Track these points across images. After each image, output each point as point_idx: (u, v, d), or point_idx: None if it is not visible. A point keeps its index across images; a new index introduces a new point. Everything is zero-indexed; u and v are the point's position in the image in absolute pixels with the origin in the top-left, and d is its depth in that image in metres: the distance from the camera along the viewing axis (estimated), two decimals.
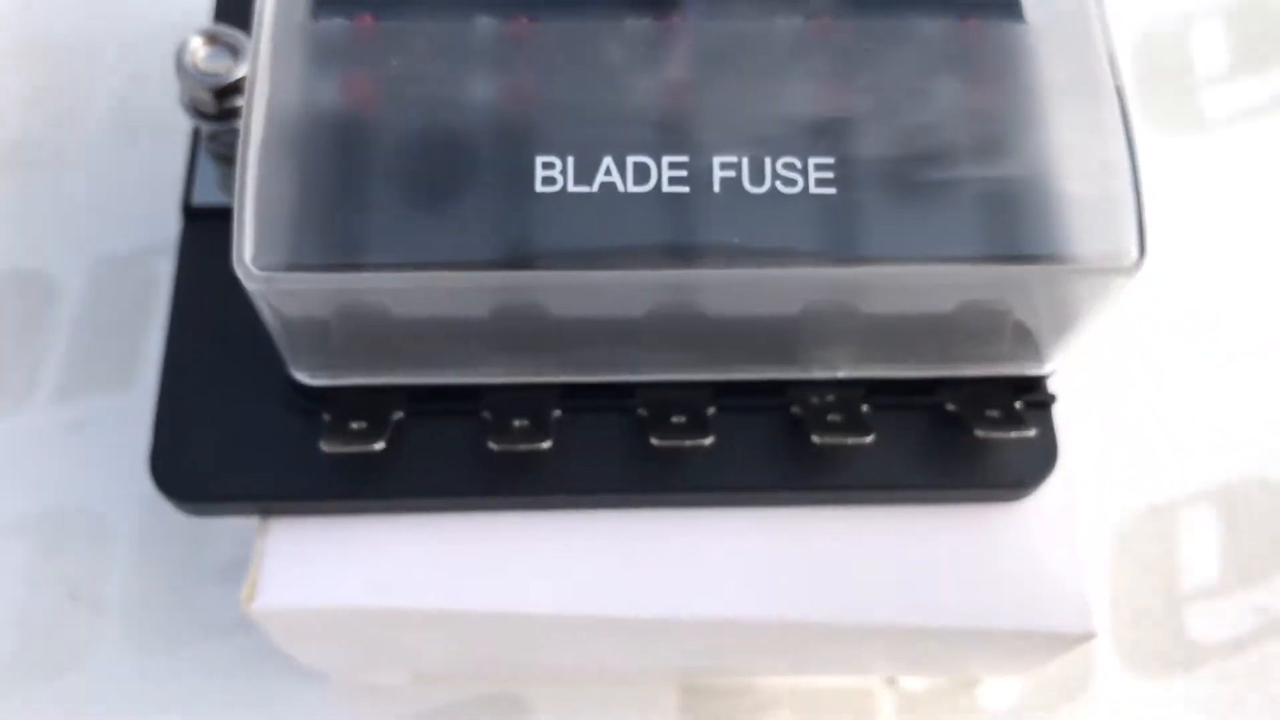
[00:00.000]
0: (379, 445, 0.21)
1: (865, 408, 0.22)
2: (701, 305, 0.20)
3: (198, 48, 0.22)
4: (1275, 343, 0.33)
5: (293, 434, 0.22)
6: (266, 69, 0.19)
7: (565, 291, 0.19)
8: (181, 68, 0.22)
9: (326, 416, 0.21)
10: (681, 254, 0.19)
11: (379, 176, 0.19)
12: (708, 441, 0.21)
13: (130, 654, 0.29)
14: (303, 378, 0.21)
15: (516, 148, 0.19)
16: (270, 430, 0.22)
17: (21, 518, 0.30)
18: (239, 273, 0.18)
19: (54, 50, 0.34)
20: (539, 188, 0.19)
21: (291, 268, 0.18)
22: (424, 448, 0.22)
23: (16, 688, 0.29)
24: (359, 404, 0.21)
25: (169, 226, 0.32)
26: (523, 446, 0.21)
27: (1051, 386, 0.22)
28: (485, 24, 0.20)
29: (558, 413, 0.22)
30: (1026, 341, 0.21)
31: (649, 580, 0.22)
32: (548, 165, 0.19)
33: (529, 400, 0.22)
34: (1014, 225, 0.19)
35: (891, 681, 0.29)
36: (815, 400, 0.22)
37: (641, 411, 0.22)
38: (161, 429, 0.22)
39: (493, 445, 0.21)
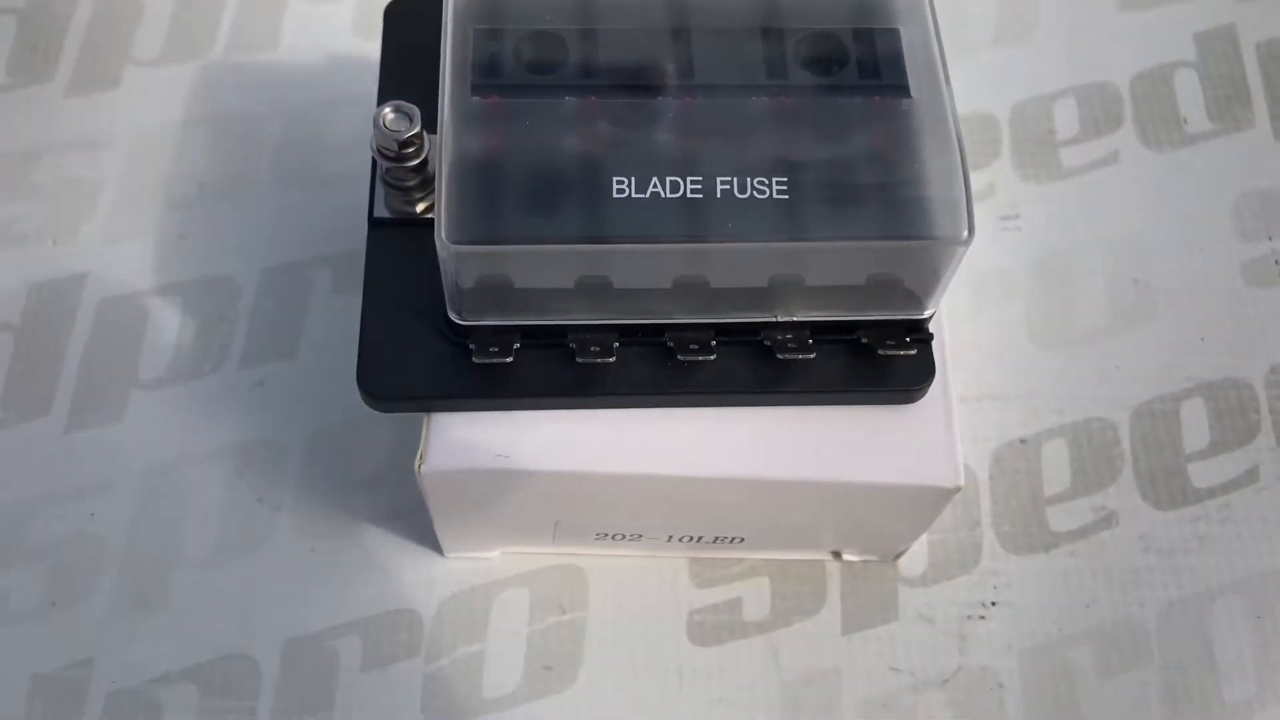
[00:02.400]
0: (509, 359, 0.33)
1: (810, 340, 0.35)
2: (707, 273, 0.33)
3: (387, 113, 0.35)
4: (1105, 326, 0.46)
5: (448, 357, 0.34)
6: (449, 128, 0.32)
7: (628, 258, 0.32)
8: (376, 126, 0.35)
9: (472, 345, 0.34)
10: (697, 235, 0.31)
11: (515, 190, 0.32)
12: (713, 358, 0.34)
13: (301, 540, 0.41)
14: (456, 318, 0.34)
15: (599, 173, 0.32)
16: (433, 355, 0.34)
17: (220, 447, 0.42)
18: (437, 244, 0.31)
19: (232, 119, 0.47)
20: (614, 196, 0.31)
21: (466, 242, 0.31)
22: (533, 365, 0.34)
23: (221, 564, 0.41)
24: (492, 336, 0.34)
25: (315, 247, 0.45)
26: (598, 361, 0.33)
27: (931, 326, 0.35)
28: (570, 101, 0.33)
29: (617, 343, 0.34)
30: (910, 295, 0.34)
31: (675, 450, 0.34)
32: (619, 182, 0.31)
33: (600, 335, 0.34)
34: (899, 218, 0.32)
35: (837, 555, 0.42)
36: (779, 336, 0.35)
37: (669, 342, 0.34)
38: (363, 357, 0.34)
39: (579, 360, 0.33)
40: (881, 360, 0.35)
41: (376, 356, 0.34)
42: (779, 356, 0.34)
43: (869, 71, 0.34)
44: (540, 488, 0.35)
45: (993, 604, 0.41)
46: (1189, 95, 0.50)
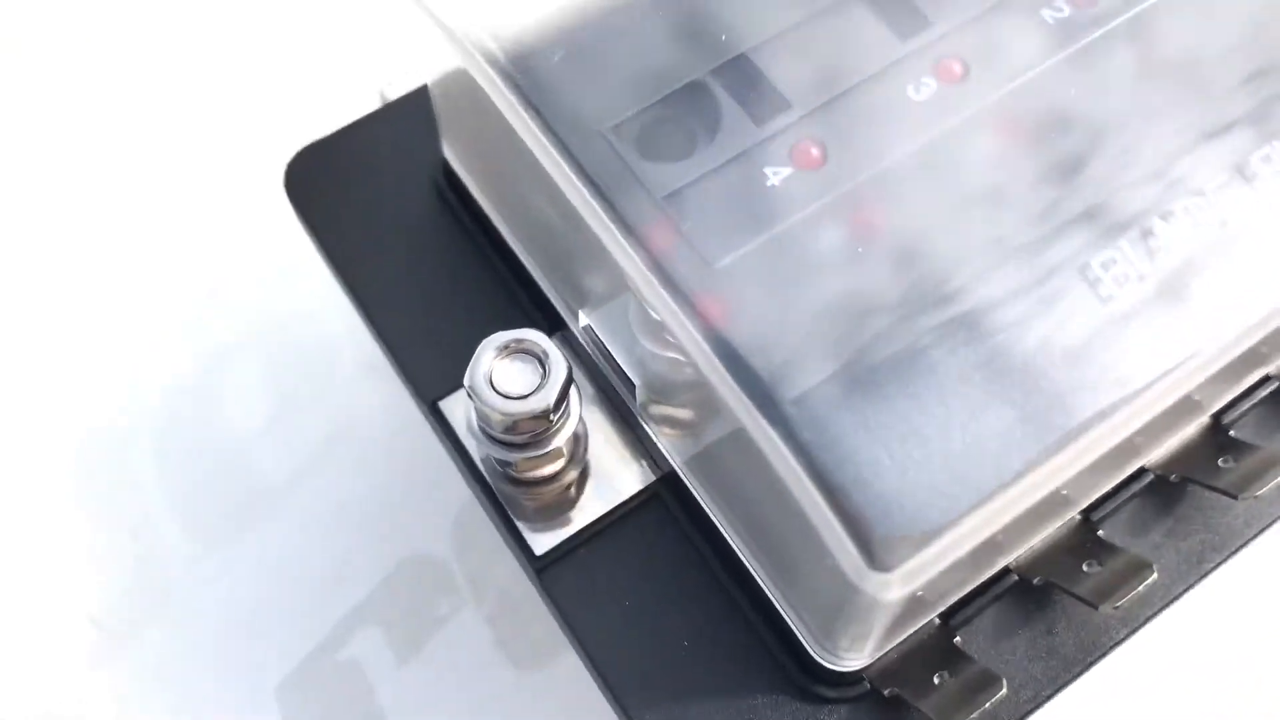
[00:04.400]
0: (1003, 690, 0.16)
1: None
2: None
3: (489, 365, 0.17)
4: None
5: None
6: (699, 338, 0.15)
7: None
8: (477, 393, 0.17)
9: (887, 691, 0.17)
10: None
11: (909, 410, 0.15)
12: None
13: None
14: (834, 663, 0.17)
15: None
16: None
17: None
18: (870, 588, 0.14)
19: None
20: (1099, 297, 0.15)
21: (913, 552, 0.14)
22: (1006, 660, 0.17)
23: None
24: (914, 660, 0.17)
25: (329, 615, 0.26)
26: (1113, 604, 0.17)
27: None
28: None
29: (1099, 530, 0.18)
30: None
31: None
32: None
33: (1068, 544, 0.18)
34: None
35: None
36: None
37: (1171, 477, 0.18)
38: None
39: (1105, 608, 0.17)
40: None
41: None
42: None
43: None
44: None
45: None
46: None
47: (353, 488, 0.27)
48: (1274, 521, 0.19)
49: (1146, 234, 0.16)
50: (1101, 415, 0.15)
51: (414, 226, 0.21)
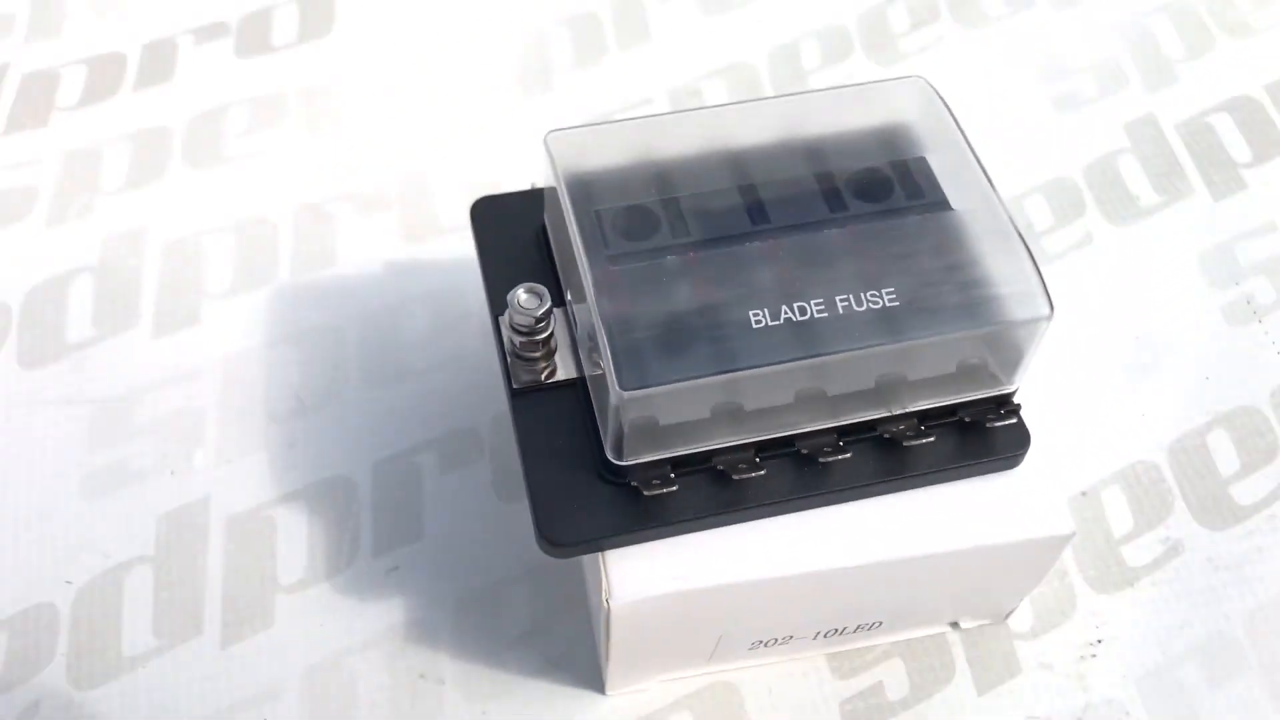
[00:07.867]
0: (675, 488, 0.37)
1: (922, 426, 0.39)
2: (834, 379, 0.38)
3: (521, 294, 0.39)
4: (1123, 380, 0.52)
5: (613, 497, 0.38)
6: (596, 297, 0.37)
7: (771, 378, 0.36)
8: (511, 305, 0.39)
9: (634, 482, 0.38)
10: (829, 346, 0.36)
11: (666, 337, 0.36)
12: (847, 455, 0.38)
13: (471, 705, 0.43)
14: (615, 460, 0.38)
15: (736, 310, 0.36)
16: (599, 498, 0.38)
17: (372, 634, 0.44)
18: (611, 394, 0.35)
19: (311, 334, 0.51)
20: (754, 327, 0.36)
21: (637, 388, 0.35)
22: (690, 491, 0.38)
23: None
24: (652, 471, 0.38)
25: (416, 435, 0.49)
26: (750, 476, 0.38)
27: (1017, 399, 0.40)
28: (680, 258, 0.38)
29: (758, 458, 0.38)
30: (1000, 374, 0.39)
31: (827, 545, 0.38)
32: (755, 315, 0.36)
33: (744, 454, 0.38)
34: (983, 309, 0.38)
35: (955, 625, 0.46)
36: (896, 427, 0.39)
37: (803, 450, 0.39)
38: (537, 511, 0.38)
39: (734, 478, 0.38)
40: (984, 434, 0.40)
41: (549, 508, 0.38)
42: (903, 444, 0.39)
43: (913, 193, 0.40)
44: (715, 603, 0.39)
45: (1099, 641, 0.45)
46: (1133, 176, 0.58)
47: (445, 387, 0.50)
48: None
49: None
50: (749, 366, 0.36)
51: (525, 249, 0.44)
